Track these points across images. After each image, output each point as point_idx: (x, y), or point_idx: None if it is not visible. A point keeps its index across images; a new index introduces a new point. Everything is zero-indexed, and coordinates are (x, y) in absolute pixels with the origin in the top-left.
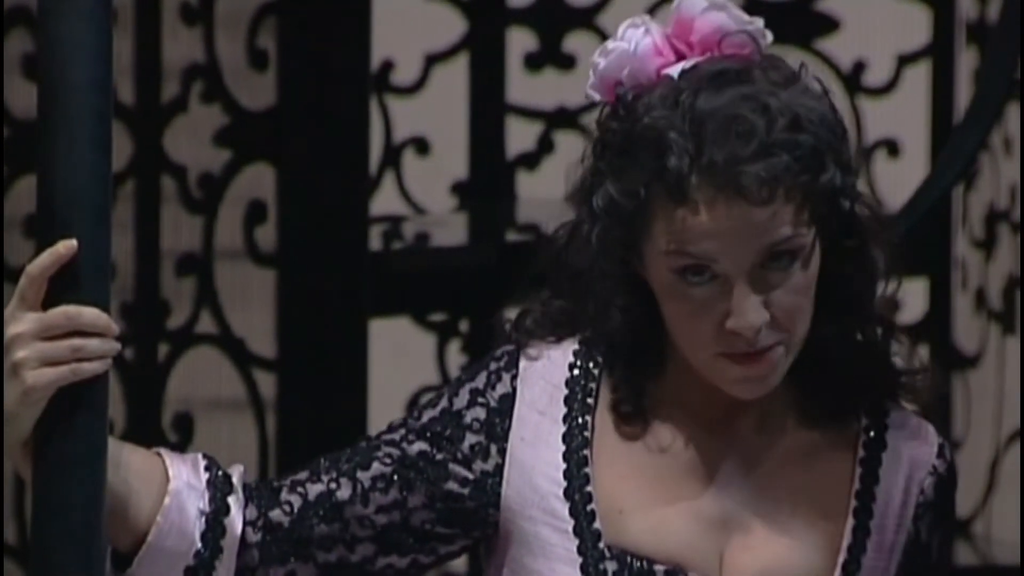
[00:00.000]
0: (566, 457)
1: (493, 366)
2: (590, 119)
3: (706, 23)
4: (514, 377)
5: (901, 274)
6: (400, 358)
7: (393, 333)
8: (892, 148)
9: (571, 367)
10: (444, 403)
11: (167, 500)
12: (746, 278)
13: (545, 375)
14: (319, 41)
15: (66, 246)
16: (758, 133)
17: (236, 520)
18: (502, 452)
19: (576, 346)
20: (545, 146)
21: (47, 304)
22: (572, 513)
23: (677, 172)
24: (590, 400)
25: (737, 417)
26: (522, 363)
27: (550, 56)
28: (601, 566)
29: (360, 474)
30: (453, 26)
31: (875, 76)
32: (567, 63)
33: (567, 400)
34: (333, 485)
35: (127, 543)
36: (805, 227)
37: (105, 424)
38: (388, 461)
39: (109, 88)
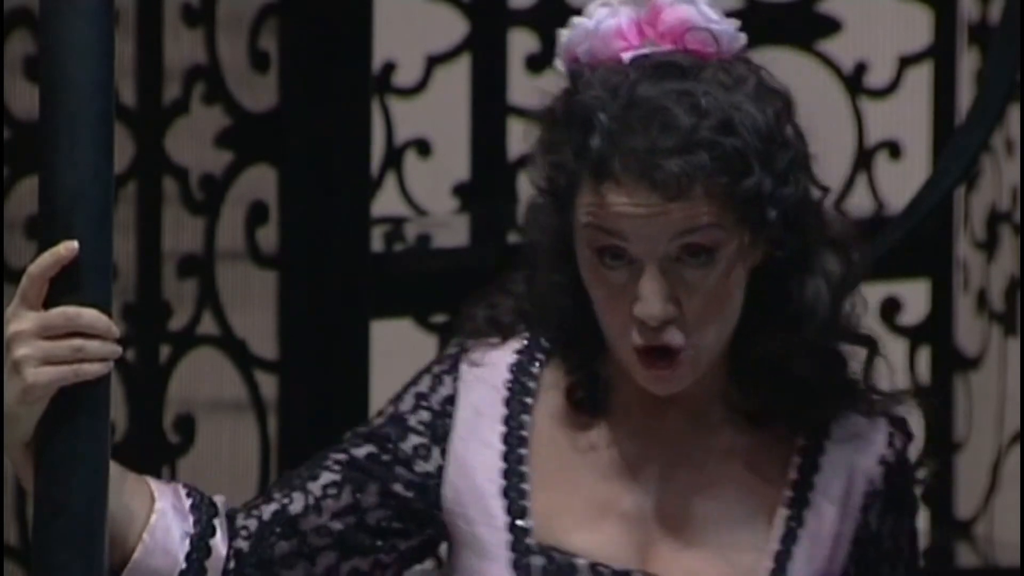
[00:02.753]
0: (505, 457)
1: (436, 369)
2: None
3: (673, 14)
4: (456, 380)
5: (856, 285)
6: (401, 359)
7: (394, 334)
8: (894, 149)
9: (511, 368)
10: (391, 409)
11: (154, 518)
12: (657, 265)
13: (485, 377)
14: (321, 43)
15: (67, 247)
16: (682, 128)
17: (221, 543)
18: (443, 454)
19: (518, 346)
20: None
21: (48, 305)
22: (507, 511)
23: (599, 153)
24: (529, 399)
25: (673, 412)
26: (463, 366)
27: (552, 57)
28: (527, 562)
29: (310, 485)
30: (454, 27)
31: (877, 77)
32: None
33: (507, 401)
34: (286, 501)
35: (113, 560)
36: (725, 229)
37: (107, 425)
38: (337, 467)
39: (111, 89)
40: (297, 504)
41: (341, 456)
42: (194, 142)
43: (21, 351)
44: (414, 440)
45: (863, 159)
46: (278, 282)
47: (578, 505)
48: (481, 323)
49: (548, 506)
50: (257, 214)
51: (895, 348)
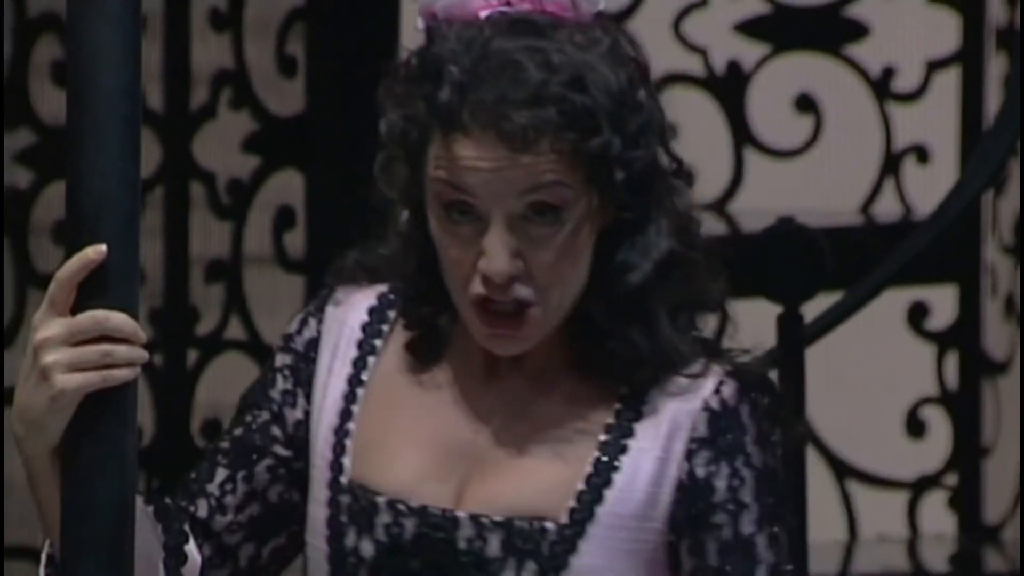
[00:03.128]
0: (344, 396)
1: (304, 313)
2: None
3: None
4: (320, 322)
5: (694, 262)
6: None
7: None
8: (922, 154)
9: (369, 311)
10: (269, 361)
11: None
12: (503, 222)
13: (345, 319)
14: (348, 46)
15: (96, 251)
16: (532, 82)
17: (195, 549)
18: (308, 397)
19: (382, 290)
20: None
21: (76, 310)
22: (332, 450)
23: (448, 104)
24: (378, 342)
25: (512, 366)
26: (329, 307)
27: None
28: (339, 499)
29: (208, 487)
30: None
31: (905, 82)
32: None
33: (359, 343)
34: (192, 508)
35: None
36: (573, 188)
37: (133, 429)
38: (225, 460)
39: (138, 94)
40: (202, 509)
41: (225, 445)
42: (221, 147)
43: (50, 357)
44: (281, 385)
45: (891, 164)
46: (305, 286)
47: (397, 444)
48: (351, 268)
49: (368, 445)
50: (284, 218)
51: (923, 353)
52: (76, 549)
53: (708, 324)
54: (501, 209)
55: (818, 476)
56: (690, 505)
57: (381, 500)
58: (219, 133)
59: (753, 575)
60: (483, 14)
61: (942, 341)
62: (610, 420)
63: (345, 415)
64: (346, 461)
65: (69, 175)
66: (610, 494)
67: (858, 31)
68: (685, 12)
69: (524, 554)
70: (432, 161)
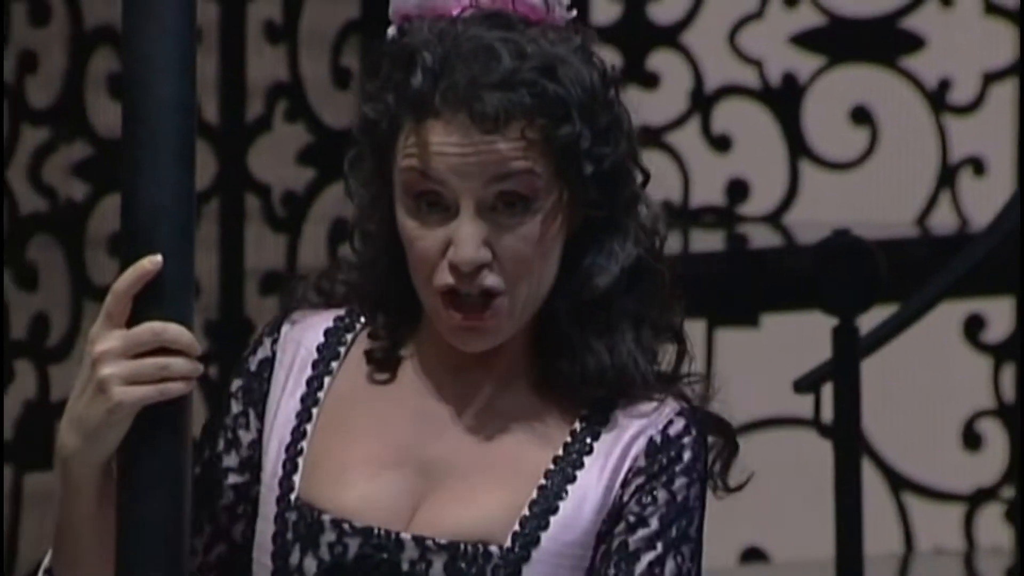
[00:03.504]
0: (297, 415)
1: (258, 334)
2: (675, 137)
3: None
4: (274, 342)
5: (657, 277)
6: None
7: None
8: (978, 166)
9: (326, 332)
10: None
11: None
12: (473, 209)
13: (301, 339)
14: None
15: (151, 262)
16: (504, 67)
17: None
18: (260, 417)
19: (340, 313)
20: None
21: (131, 322)
22: (283, 465)
23: (419, 90)
24: (334, 363)
25: (472, 374)
26: (284, 328)
27: (633, 74)
28: (286, 516)
29: (195, 541)
30: None
31: (961, 94)
32: (651, 81)
33: (315, 363)
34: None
35: None
36: (542, 178)
37: (187, 442)
38: (191, 517)
39: (193, 106)
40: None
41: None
42: (276, 159)
43: (107, 370)
44: (234, 409)
45: (947, 176)
46: None
47: (349, 463)
48: (310, 290)
49: (319, 464)
50: (339, 230)
51: (979, 366)
52: (131, 563)
53: (667, 353)
54: (471, 196)
55: (874, 489)
56: (608, 527)
57: (326, 518)
58: (274, 145)
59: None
60: (455, 11)
61: (998, 353)
62: (561, 450)
63: (297, 433)
64: (296, 479)
65: (124, 187)
66: (555, 520)
67: (914, 43)
68: (741, 24)
69: None
70: (401, 152)
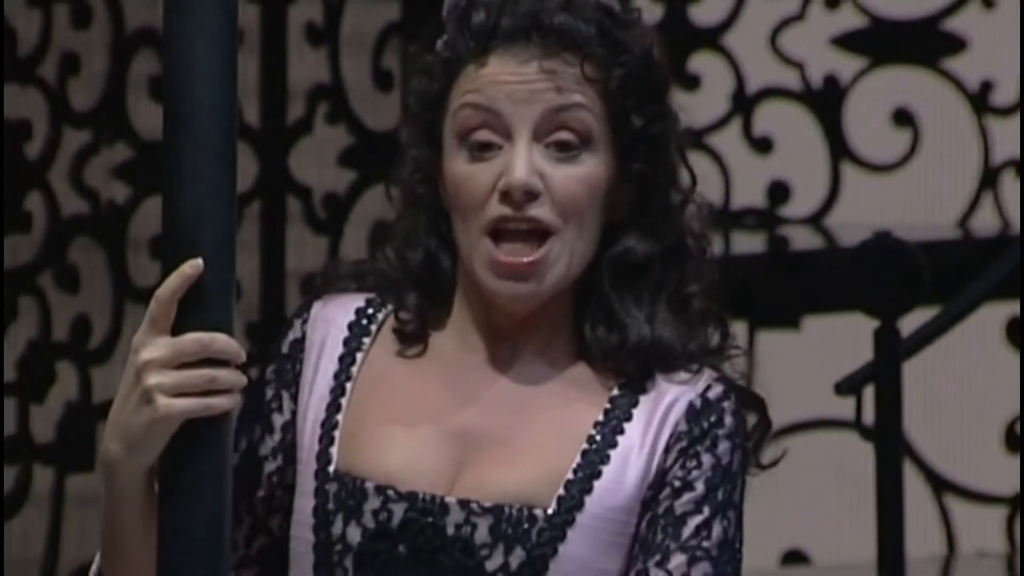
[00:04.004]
0: (331, 391)
1: (291, 318)
2: (716, 139)
3: None
4: (304, 322)
5: (697, 262)
6: None
7: None
8: (1020, 168)
9: (358, 312)
10: (258, 376)
11: None
12: (528, 137)
13: (332, 318)
14: None
15: (192, 265)
16: None
17: None
18: (294, 398)
19: (370, 296)
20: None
21: (172, 325)
22: (319, 439)
23: (481, 24)
24: (366, 339)
25: (509, 347)
26: (314, 308)
27: (675, 76)
28: (326, 488)
29: (235, 533)
30: None
31: (1003, 96)
32: (692, 83)
33: (346, 341)
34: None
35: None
36: (595, 117)
37: (228, 447)
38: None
39: (234, 109)
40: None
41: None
42: (317, 161)
43: (153, 380)
44: (268, 393)
45: (989, 178)
46: None
47: (387, 432)
48: (342, 277)
49: (356, 435)
50: (380, 233)
51: (1021, 368)
52: (172, 569)
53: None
54: (526, 124)
55: (916, 491)
56: (655, 490)
57: (370, 486)
58: (315, 147)
59: (667, 554)
60: None
61: None
62: (602, 415)
63: (332, 407)
64: (333, 451)
65: (166, 189)
66: (599, 485)
67: (956, 44)
68: (782, 26)
69: (513, 540)
70: (458, 97)
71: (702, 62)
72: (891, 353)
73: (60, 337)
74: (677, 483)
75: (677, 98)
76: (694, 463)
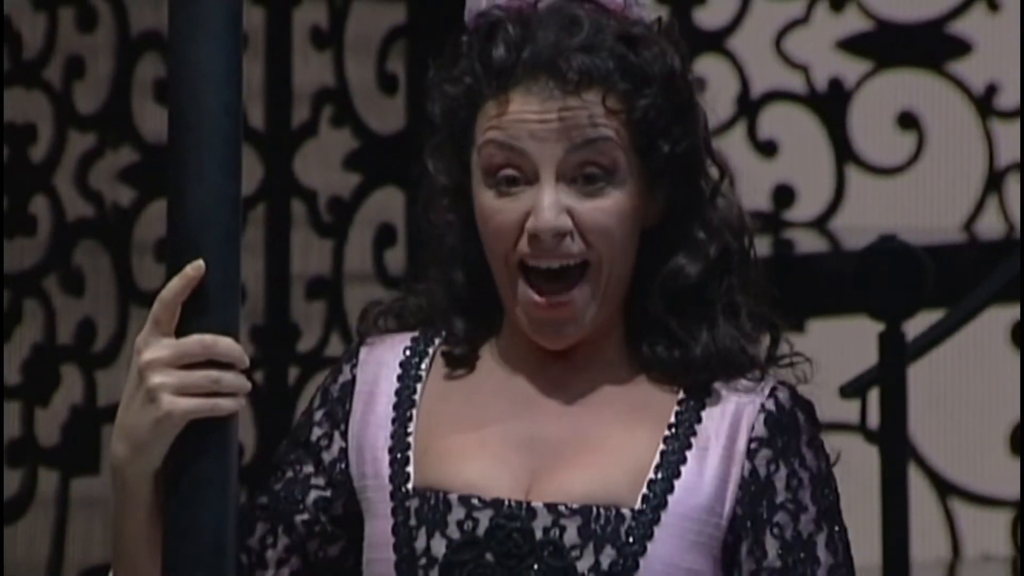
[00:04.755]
0: (393, 421)
1: (338, 364)
2: (721, 143)
3: None
4: (354, 366)
5: (746, 270)
6: None
7: None
8: None
9: (406, 350)
10: (306, 408)
11: None
12: (554, 176)
13: (381, 358)
14: None
15: (195, 267)
16: (587, 30)
17: None
18: (344, 436)
19: (415, 333)
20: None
21: (177, 329)
22: (391, 463)
23: (502, 60)
24: (421, 372)
25: (568, 365)
26: (362, 352)
27: None
28: (406, 505)
29: (250, 542)
30: None
31: (1008, 99)
32: (697, 87)
33: (400, 377)
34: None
35: None
36: (622, 149)
37: (234, 449)
38: (263, 515)
39: (239, 112)
40: (244, 562)
41: (264, 500)
42: (322, 164)
43: (157, 379)
44: (317, 432)
45: (994, 181)
46: None
47: (461, 445)
48: (384, 316)
49: (430, 452)
50: (385, 236)
51: None
52: (178, 568)
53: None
54: (551, 163)
55: (921, 494)
56: (754, 504)
57: (453, 497)
58: (320, 151)
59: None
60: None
61: None
62: (672, 416)
63: (400, 433)
64: (409, 470)
65: (170, 193)
66: (679, 484)
67: (961, 48)
68: (787, 29)
69: (603, 540)
70: (481, 131)
71: (707, 65)
72: (896, 356)
73: (65, 340)
74: (791, 507)
75: None
76: (796, 482)
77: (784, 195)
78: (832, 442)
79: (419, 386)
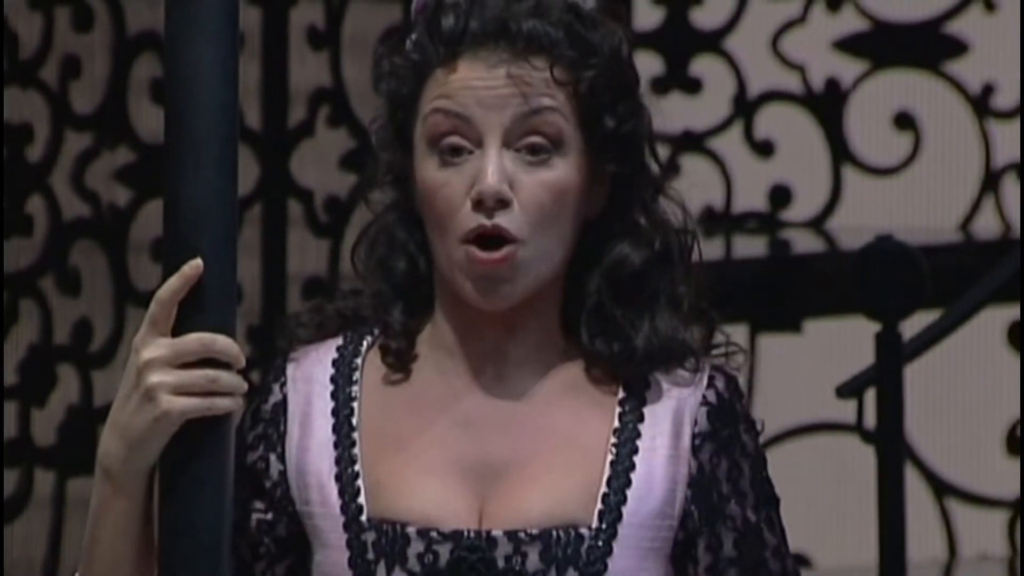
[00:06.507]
0: (335, 444)
1: (264, 382)
2: (718, 143)
3: None
4: (283, 384)
5: (681, 262)
6: None
7: None
8: (1021, 172)
9: (334, 363)
10: (236, 438)
11: None
12: (498, 143)
13: (309, 373)
14: None
15: (192, 266)
16: (536, 0)
17: None
18: (281, 459)
19: (340, 342)
20: (671, 170)
21: (174, 329)
22: (340, 493)
23: (450, 28)
24: (354, 387)
25: (500, 364)
26: (289, 368)
27: (676, 80)
28: (362, 539)
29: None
30: None
31: (1004, 99)
32: (693, 87)
33: (333, 394)
34: None
35: None
36: (566, 119)
37: (230, 448)
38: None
39: (236, 112)
40: None
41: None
42: (319, 164)
43: (155, 378)
44: (252, 456)
45: (990, 181)
46: None
47: (412, 470)
48: (303, 327)
49: (381, 478)
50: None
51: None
52: (173, 566)
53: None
54: (496, 129)
55: (918, 494)
56: (704, 500)
57: (411, 530)
58: (317, 151)
59: (764, 560)
60: None
61: None
62: (615, 421)
63: (345, 459)
64: (361, 500)
65: (167, 193)
66: (631, 493)
67: (957, 48)
68: (783, 29)
69: (564, 562)
70: (428, 102)
71: (703, 65)
72: (893, 356)
73: (61, 340)
74: (737, 497)
75: (678, 101)
76: (738, 472)
77: (781, 195)
78: (828, 442)
79: (355, 405)
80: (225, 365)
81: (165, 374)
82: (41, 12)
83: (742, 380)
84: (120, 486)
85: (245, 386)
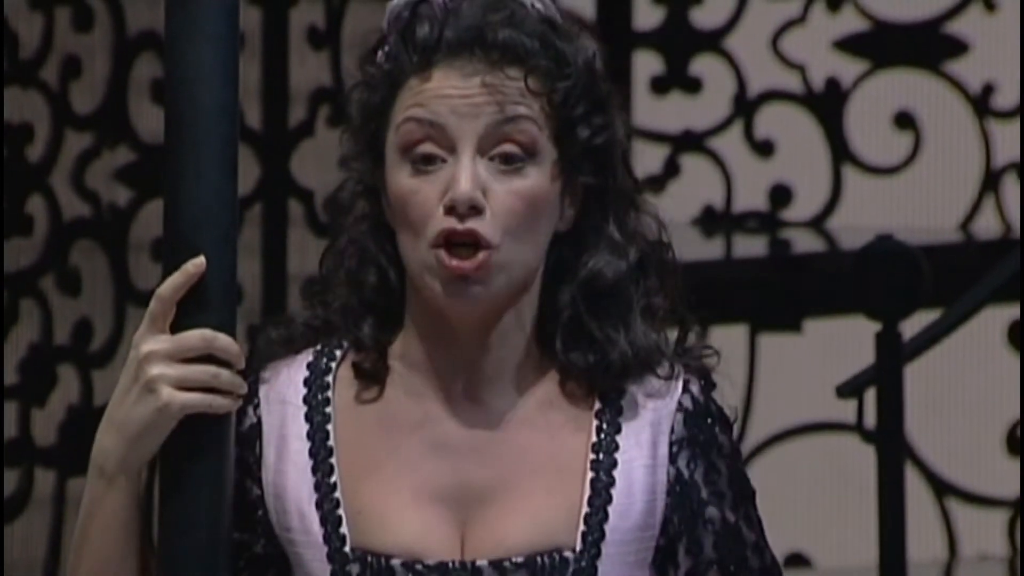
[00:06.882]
0: (313, 470)
1: (242, 404)
2: (718, 142)
3: None
4: (256, 407)
5: (656, 270)
6: None
7: None
8: (1021, 172)
9: (305, 382)
10: None
11: None
12: (472, 150)
13: (282, 394)
14: None
15: (195, 264)
16: (511, 9)
17: None
18: (258, 483)
19: (310, 358)
20: (671, 169)
21: (174, 327)
22: (322, 523)
23: (425, 37)
24: (328, 409)
25: (472, 379)
26: (261, 390)
27: (676, 79)
28: (347, 569)
29: None
30: None
31: (1004, 99)
32: (693, 86)
33: (307, 416)
34: None
35: None
36: (539, 128)
37: (229, 445)
38: None
39: (236, 112)
40: None
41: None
42: (319, 164)
43: (157, 370)
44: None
45: (990, 181)
46: None
47: (393, 498)
48: (273, 344)
49: (362, 507)
50: None
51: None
52: (174, 563)
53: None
54: (470, 137)
55: (918, 494)
56: (683, 506)
57: (396, 562)
58: (317, 151)
59: (745, 558)
60: None
61: None
62: (592, 435)
63: (325, 486)
64: (343, 531)
65: (167, 193)
66: (613, 510)
67: (958, 48)
68: (784, 29)
69: None
70: (401, 111)
71: (703, 65)
72: (893, 356)
73: (62, 340)
74: (715, 499)
75: (678, 101)
76: (716, 474)
77: (781, 195)
78: (828, 442)
79: (330, 427)
80: (225, 364)
81: (167, 367)
82: (41, 12)
83: (740, 380)
84: (113, 484)
85: (245, 387)
